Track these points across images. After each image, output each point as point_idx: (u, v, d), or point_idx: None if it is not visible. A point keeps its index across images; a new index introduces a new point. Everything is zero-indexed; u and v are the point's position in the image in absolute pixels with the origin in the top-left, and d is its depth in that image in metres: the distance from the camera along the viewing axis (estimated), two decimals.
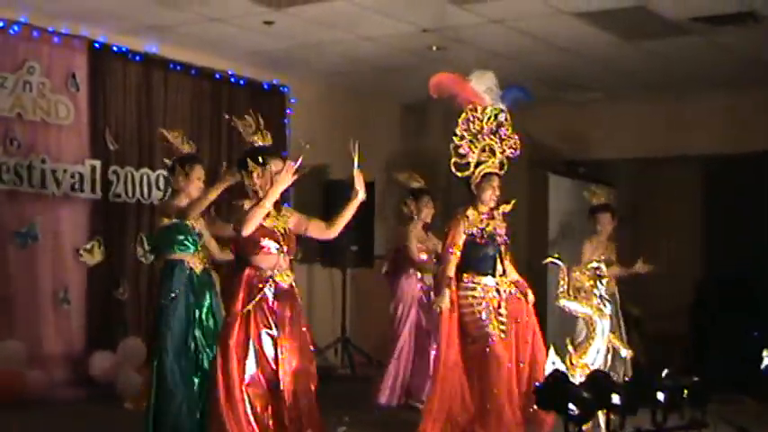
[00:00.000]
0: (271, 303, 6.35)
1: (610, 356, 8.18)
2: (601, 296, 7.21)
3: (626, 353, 8.13)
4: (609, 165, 13.67)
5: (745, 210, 12.86)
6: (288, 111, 12.54)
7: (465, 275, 7.88)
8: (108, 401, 9.52)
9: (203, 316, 7.55)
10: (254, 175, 6.45)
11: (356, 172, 6.54)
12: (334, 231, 6.58)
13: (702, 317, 12.82)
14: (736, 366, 11.08)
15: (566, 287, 7.03)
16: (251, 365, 6.25)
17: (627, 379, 5.14)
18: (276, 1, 9.59)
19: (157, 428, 7.41)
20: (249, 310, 6.31)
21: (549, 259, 7.32)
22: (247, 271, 6.39)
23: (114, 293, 10.64)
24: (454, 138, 7.95)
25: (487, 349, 7.67)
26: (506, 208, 8.11)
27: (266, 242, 6.39)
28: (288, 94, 12.61)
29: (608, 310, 8.05)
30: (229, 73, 11.89)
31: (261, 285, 6.36)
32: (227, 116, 6.85)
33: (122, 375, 9.88)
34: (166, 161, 8.16)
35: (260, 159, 6.46)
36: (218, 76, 11.78)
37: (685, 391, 5.15)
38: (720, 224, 13.32)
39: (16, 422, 8.50)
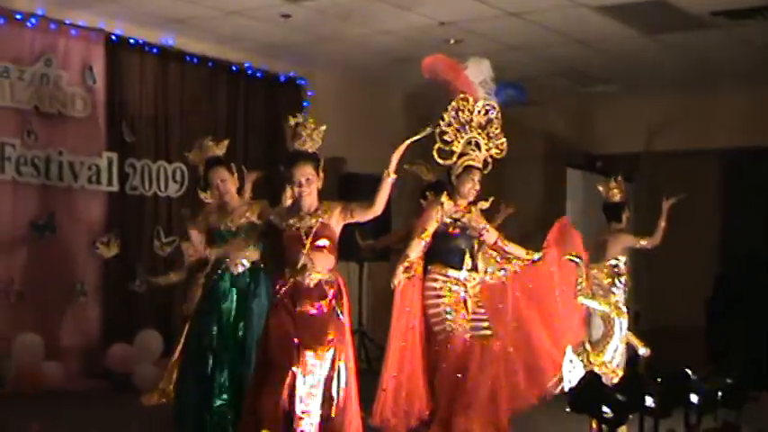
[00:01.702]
0: (292, 304, 6.40)
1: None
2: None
3: (643, 351, 8.07)
4: (626, 158, 13.61)
5: (763, 203, 12.81)
6: (305, 103, 12.49)
7: (431, 266, 7.65)
8: (125, 393, 9.53)
9: (232, 314, 7.59)
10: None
11: (400, 149, 6.55)
12: (378, 207, 6.56)
13: (720, 310, 12.77)
14: (753, 361, 11.07)
15: (584, 285, 6.97)
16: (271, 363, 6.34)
17: (660, 380, 5.05)
18: None
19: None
20: (271, 312, 6.44)
21: (568, 257, 7.22)
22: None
23: (131, 286, 10.64)
24: (440, 122, 7.81)
25: (449, 345, 7.57)
26: (484, 205, 7.87)
27: (289, 243, 6.45)
28: (305, 87, 12.57)
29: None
30: (246, 65, 11.87)
31: (280, 287, 6.43)
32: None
33: (139, 367, 9.89)
34: (187, 155, 8.19)
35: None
36: (234, 68, 11.76)
37: (719, 394, 5.10)
38: (739, 218, 13.26)
39: (34, 414, 8.52)
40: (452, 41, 11.04)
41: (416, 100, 14.16)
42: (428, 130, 6.61)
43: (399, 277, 7.48)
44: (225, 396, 7.44)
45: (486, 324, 7.59)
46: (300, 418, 6.24)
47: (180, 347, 8.28)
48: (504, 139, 7.89)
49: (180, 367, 7.90)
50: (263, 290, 7.67)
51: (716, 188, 13.58)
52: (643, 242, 9.41)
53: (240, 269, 7.68)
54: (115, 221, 10.52)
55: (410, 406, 7.50)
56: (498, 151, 7.88)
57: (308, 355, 6.32)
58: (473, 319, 7.57)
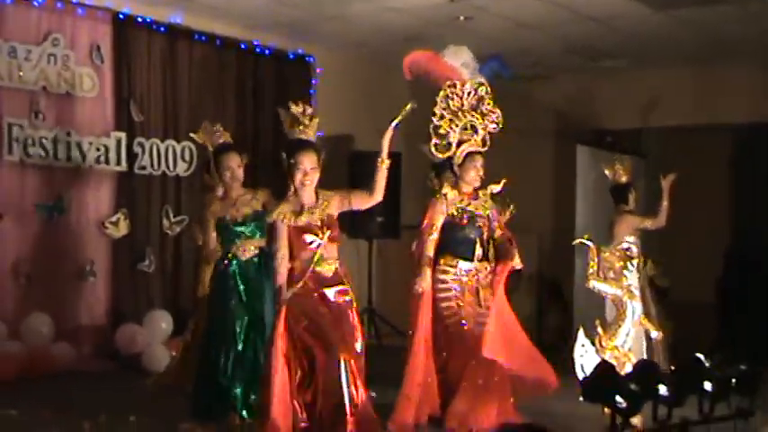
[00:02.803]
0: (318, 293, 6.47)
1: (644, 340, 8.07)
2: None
3: (656, 334, 8.03)
4: (636, 134, 13.55)
5: None
6: (313, 81, 12.43)
7: (441, 258, 7.66)
8: (134, 374, 9.54)
9: (243, 298, 7.58)
10: None
11: (388, 133, 6.50)
12: (377, 195, 6.55)
13: (730, 287, 12.75)
14: (765, 339, 11.06)
15: (595, 268, 6.93)
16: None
17: (673, 368, 5.02)
18: None
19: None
20: (287, 303, 6.43)
21: (579, 241, 7.19)
22: (291, 265, 6.51)
23: (140, 266, 10.62)
24: (433, 117, 7.75)
25: (461, 337, 7.52)
26: (495, 188, 7.85)
27: (299, 236, 6.47)
28: (313, 64, 12.49)
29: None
30: (255, 43, 11.79)
31: (299, 277, 6.46)
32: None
33: (148, 348, 9.89)
34: (193, 135, 8.16)
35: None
36: (243, 46, 11.68)
37: (734, 381, 5.07)
38: (749, 194, 13.20)
39: (44, 395, 8.53)
40: (462, 18, 10.95)
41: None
42: (409, 107, 6.55)
43: (427, 283, 7.47)
44: (243, 368, 7.47)
45: (482, 316, 7.57)
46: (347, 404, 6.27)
47: (192, 330, 8.27)
48: (498, 112, 7.85)
49: (198, 349, 7.88)
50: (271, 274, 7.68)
51: (726, 163, 13.51)
52: (647, 222, 9.38)
53: (248, 255, 7.66)
54: (124, 201, 10.49)
55: (423, 405, 7.52)
56: (495, 125, 7.83)
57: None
58: (482, 314, 7.54)
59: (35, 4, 9.80)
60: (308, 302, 6.47)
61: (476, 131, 7.80)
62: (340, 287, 6.55)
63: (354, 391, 6.28)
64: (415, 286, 7.50)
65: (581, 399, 4.62)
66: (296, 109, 6.65)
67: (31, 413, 7.91)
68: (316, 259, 6.45)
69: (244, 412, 7.34)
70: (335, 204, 6.56)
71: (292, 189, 6.68)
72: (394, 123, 6.50)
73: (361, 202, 6.61)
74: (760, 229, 12.77)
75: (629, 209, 9.41)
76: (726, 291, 12.90)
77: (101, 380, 9.47)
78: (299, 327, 6.41)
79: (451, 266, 7.63)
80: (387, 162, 6.50)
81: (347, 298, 6.57)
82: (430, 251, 7.60)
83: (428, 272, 7.52)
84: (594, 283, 7.01)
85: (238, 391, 7.34)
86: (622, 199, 9.45)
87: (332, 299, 6.51)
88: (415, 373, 7.48)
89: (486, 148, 7.82)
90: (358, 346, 6.50)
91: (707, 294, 12.74)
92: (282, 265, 6.48)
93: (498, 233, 7.81)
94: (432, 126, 7.69)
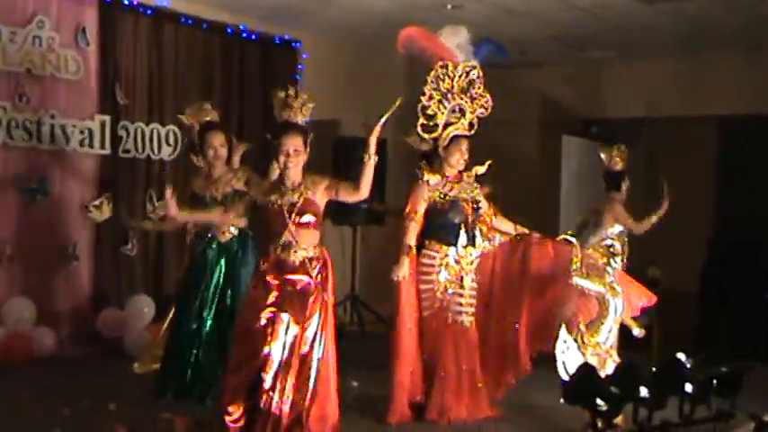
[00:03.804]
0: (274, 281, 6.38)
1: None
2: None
3: (637, 331, 8.04)
4: (624, 124, 13.54)
5: (759, 170, 12.75)
6: (300, 66, 12.38)
7: (426, 243, 7.63)
8: (116, 358, 9.52)
9: (220, 281, 7.57)
10: None
11: (376, 130, 6.45)
12: (363, 191, 6.45)
13: (714, 277, 12.76)
14: (747, 329, 11.07)
15: (579, 265, 6.92)
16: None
17: (654, 369, 5.02)
18: None
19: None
20: (252, 285, 6.50)
21: (562, 237, 7.17)
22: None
23: (123, 250, 10.58)
24: (422, 98, 7.72)
25: (433, 324, 7.53)
26: (479, 170, 7.79)
27: (271, 219, 6.42)
28: (300, 49, 12.43)
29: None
30: (241, 28, 11.71)
31: (263, 263, 6.44)
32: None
33: (129, 333, 9.86)
34: (180, 116, 8.15)
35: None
36: (229, 30, 11.61)
37: (714, 382, 5.08)
38: (735, 185, 13.21)
39: (25, 381, 8.50)
40: (450, 7, 10.91)
41: (416, 65, 14.09)
42: (398, 103, 6.51)
43: (403, 271, 7.42)
44: (210, 355, 7.48)
45: (471, 310, 7.56)
46: (270, 390, 6.22)
47: (172, 314, 8.31)
48: (488, 97, 7.81)
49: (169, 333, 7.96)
50: (251, 257, 7.67)
51: (712, 154, 13.51)
52: (630, 222, 9.32)
53: (228, 237, 7.66)
54: (107, 185, 10.42)
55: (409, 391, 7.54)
56: (483, 110, 7.80)
57: (292, 326, 6.28)
58: (460, 303, 7.53)
59: None
60: (260, 292, 6.41)
61: (463, 115, 7.78)
62: (301, 277, 6.39)
63: (279, 399, 6.25)
64: (391, 274, 7.45)
65: (561, 401, 4.62)
66: (284, 92, 6.59)
67: (11, 398, 7.89)
68: (280, 244, 6.37)
69: (207, 400, 7.38)
70: (323, 190, 6.47)
71: (277, 171, 6.65)
72: (382, 120, 6.42)
73: (347, 195, 6.50)
74: (744, 219, 12.77)
75: (621, 197, 9.38)
76: (708, 280, 12.91)
77: (82, 364, 9.43)
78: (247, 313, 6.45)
79: (436, 252, 7.61)
80: (374, 158, 6.44)
81: (311, 284, 6.42)
82: (410, 239, 7.54)
83: (406, 260, 7.46)
84: (577, 280, 6.99)
85: (203, 377, 7.39)
86: (615, 186, 9.40)
87: (288, 288, 6.37)
88: (404, 360, 7.49)
89: (472, 132, 7.80)
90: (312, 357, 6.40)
91: (692, 284, 12.75)
92: None
93: (482, 210, 7.75)
94: (420, 106, 7.66)
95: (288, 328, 6.22)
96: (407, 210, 7.61)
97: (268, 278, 6.36)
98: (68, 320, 10.02)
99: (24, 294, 9.61)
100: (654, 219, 9.40)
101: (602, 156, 9.54)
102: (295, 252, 6.36)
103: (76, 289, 10.18)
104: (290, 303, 6.31)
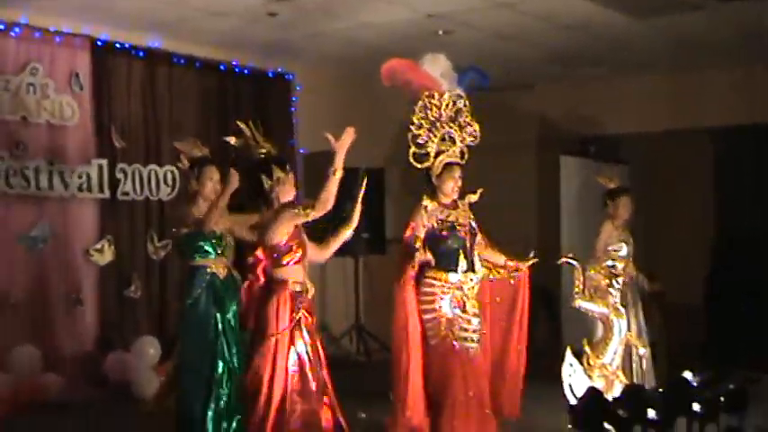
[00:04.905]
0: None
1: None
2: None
3: (643, 351, 8.02)
4: (620, 141, 13.56)
5: (756, 181, 12.78)
6: (293, 98, 12.42)
7: (426, 272, 7.57)
8: (124, 401, 9.51)
9: (228, 321, 7.53)
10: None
11: (344, 144, 6.59)
12: (325, 206, 6.44)
13: (718, 289, 12.77)
14: (752, 340, 11.07)
15: (581, 287, 6.91)
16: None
17: (661, 390, 5.02)
18: None
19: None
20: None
21: (564, 259, 7.15)
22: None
23: (126, 292, 10.58)
24: (411, 127, 7.74)
25: (440, 351, 7.48)
26: (473, 198, 7.76)
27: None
28: (293, 82, 12.48)
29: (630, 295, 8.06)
30: (234, 64, 11.77)
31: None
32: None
33: (137, 374, 9.85)
34: (179, 165, 8.12)
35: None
36: (222, 67, 11.67)
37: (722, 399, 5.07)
38: (732, 195, 13.23)
39: (35, 428, 8.48)
40: (441, 32, 10.95)
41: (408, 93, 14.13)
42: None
43: (423, 256, 7.41)
44: (225, 390, 7.45)
45: (477, 336, 7.56)
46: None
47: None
48: (476, 126, 7.84)
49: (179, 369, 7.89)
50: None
51: (709, 167, 13.53)
52: (600, 244, 9.38)
53: (225, 273, 7.65)
54: (108, 228, 10.44)
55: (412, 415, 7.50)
56: (472, 138, 7.82)
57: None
58: (466, 329, 7.53)
59: (12, 34, 9.76)
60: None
61: (453, 142, 7.79)
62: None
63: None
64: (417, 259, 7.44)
65: (569, 427, 4.62)
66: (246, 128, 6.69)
67: None
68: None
69: None
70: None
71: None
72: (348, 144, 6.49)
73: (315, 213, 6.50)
74: (745, 229, 12.79)
75: (615, 214, 9.43)
76: (713, 292, 12.92)
77: (91, 409, 9.39)
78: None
79: (437, 280, 7.58)
80: (340, 173, 6.48)
81: None
82: (416, 264, 7.55)
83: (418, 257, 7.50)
84: (581, 303, 6.98)
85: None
86: (616, 204, 9.47)
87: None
88: (410, 383, 7.49)
89: (463, 162, 7.81)
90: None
91: (696, 297, 12.76)
92: None
93: (477, 240, 7.77)
94: (410, 135, 7.68)
95: None
96: (409, 233, 7.59)
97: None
98: (75, 365, 9.99)
99: (30, 341, 9.59)
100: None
101: (600, 180, 9.67)
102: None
103: (82, 333, 10.18)
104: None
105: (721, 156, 13.40)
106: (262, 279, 6.52)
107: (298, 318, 6.45)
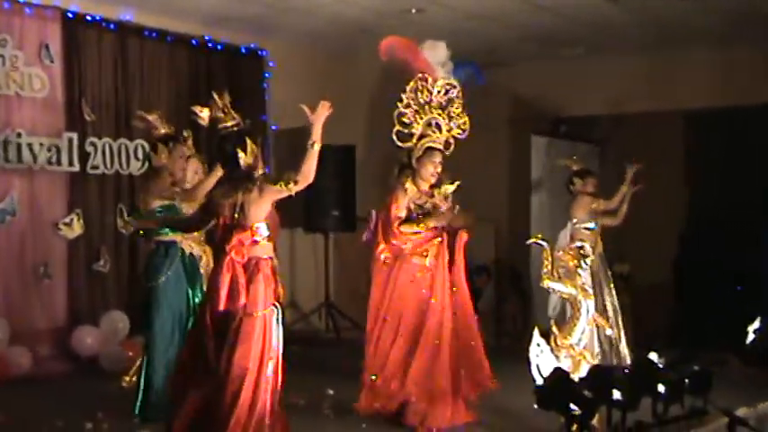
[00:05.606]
0: None
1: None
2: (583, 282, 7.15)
3: (610, 332, 8.09)
4: (593, 122, 13.57)
5: (728, 164, 12.81)
6: (266, 74, 12.37)
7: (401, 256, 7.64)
8: (92, 376, 9.49)
9: (197, 297, 7.52)
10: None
11: (320, 116, 6.37)
12: (307, 178, 6.16)
13: (687, 271, 12.82)
14: (720, 323, 11.12)
15: (549, 268, 6.94)
16: None
17: (627, 371, 5.04)
18: None
19: (147, 409, 7.46)
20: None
21: (533, 240, 7.16)
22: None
23: (95, 266, 10.53)
24: (398, 104, 7.73)
25: (422, 329, 7.55)
26: (449, 189, 7.75)
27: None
28: (266, 58, 12.41)
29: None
30: (206, 38, 11.69)
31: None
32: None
33: (105, 349, 9.82)
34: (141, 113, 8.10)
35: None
36: (194, 42, 11.59)
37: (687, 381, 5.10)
38: (704, 178, 13.26)
39: (2, 401, 8.43)
40: (414, 11, 10.92)
41: (380, 70, 14.11)
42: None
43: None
44: None
45: (448, 316, 7.59)
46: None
47: None
48: (466, 119, 7.83)
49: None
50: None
51: (681, 148, 13.56)
52: (600, 202, 9.66)
53: (190, 249, 7.64)
54: (77, 202, 10.38)
55: (393, 390, 7.53)
56: (460, 131, 7.82)
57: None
58: (437, 309, 7.57)
59: None
60: None
61: (440, 130, 7.79)
62: None
63: None
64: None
65: (535, 407, 4.63)
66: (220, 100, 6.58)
67: None
68: None
69: None
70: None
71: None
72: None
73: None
74: (715, 212, 12.83)
75: (584, 190, 9.65)
76: (681, 275, 12.97)
77: (59, 383, 9.37)
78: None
79: (409, 263, 7.64)
80: (318, 145, 6.26)
81: None
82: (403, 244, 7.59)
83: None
84: (549, 283, 6.99)
85: None
86: (571, 182, 9.70)
87: None
88: (379, 354, 7.54)
89: (447, 152, 7.80)
90: None
91: (665, 279, 12.81)
92: None
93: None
94: (396, 112, 7.67)
95: None
96: (394, 207, 7.59)
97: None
98: (43, 339, 9.96)
99: None
100: (624, 188, 9.92)
101: (562, 164, 9.95)
102: None
103: (50, 307, 10.14)
104: None
105: (695, 138, 13.42)
106: (246, 257, 6.27)
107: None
